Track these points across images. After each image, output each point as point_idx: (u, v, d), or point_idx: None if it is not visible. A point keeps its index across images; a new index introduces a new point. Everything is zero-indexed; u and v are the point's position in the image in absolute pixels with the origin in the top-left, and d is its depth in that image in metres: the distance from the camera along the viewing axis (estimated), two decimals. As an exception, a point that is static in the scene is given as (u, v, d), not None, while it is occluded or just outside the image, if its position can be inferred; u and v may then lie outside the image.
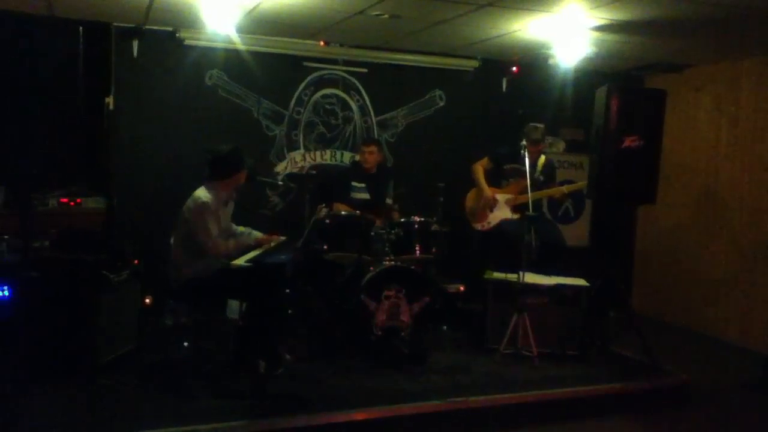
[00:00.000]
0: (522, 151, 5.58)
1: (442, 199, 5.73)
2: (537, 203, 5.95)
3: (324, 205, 5.55)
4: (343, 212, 5.61)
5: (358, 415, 4.11)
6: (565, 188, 6.03)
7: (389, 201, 6.07)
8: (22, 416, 3.84)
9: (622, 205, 6.83)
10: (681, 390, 4.98)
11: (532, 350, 5.07)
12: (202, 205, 4.56)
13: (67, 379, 4.27)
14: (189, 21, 5.55)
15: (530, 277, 5.23)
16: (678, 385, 5.01)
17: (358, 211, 5.54)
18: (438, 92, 7.05)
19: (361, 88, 6.77)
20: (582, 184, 5.88)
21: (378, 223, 5.53)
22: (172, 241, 4.71)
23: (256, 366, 4.38)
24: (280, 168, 6.54)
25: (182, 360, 4.84)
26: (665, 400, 4.85)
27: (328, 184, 6.11)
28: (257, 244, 4.85)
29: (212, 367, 4.62)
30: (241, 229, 5.03)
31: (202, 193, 4.63)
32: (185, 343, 4.98)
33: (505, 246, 5.77)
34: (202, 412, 3.98)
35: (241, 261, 4.70)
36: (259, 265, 4.69)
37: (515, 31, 5.63)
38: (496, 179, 6.14)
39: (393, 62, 6.73)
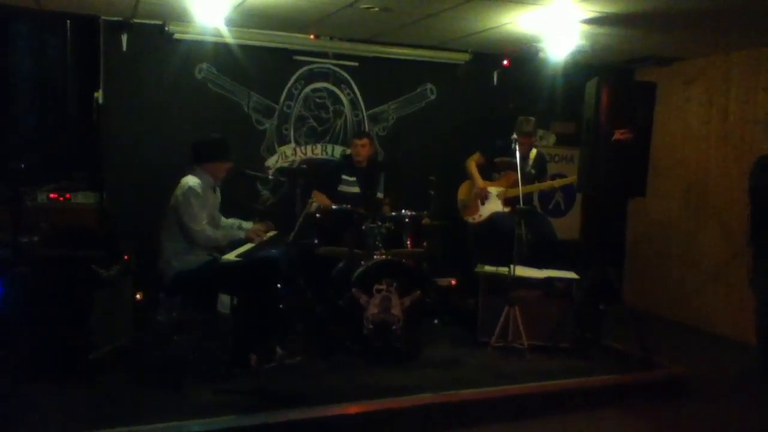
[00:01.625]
0: (513, 144, 5.58)
1: (433, 192, 5.72)
2: (528, 196, 5.97)
3: (313, 199, 5.54)
4: (334, 206, 5.60)
5: (351, 409, 4.10)
6: (556, 182, 6.05)
7: (380, 195, 6.07)
8: (12, 412, 3.83)
9: (613, 198, 6.85)
10: (674, 382, 4.99)
11: (523, 343, 5.08)
12: (189, 190, 4.60)
13: (58, 375, 4.25)
14: (178, 14, 5.51)
15: (521, 270, 5.25)
16: (671, 377, 5.04)
17: (348, 205, 5.54)
18: (429, 86, 7.03)
19: (351, 81, 6.75)
20: (572, 178, 5.90)
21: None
22: (159, 234, 4.71)
23: (248, 360, 4.38)
24: (271, 162, 6.52)
25: (175, 355, 4.81)
26: (658, 392, 4.87)
27: (317, 177, 6.10)
28: (247, 236, 4.86)
29: (205, 362, 4.61)
30: (229, 221, 5.03)
31: (188, 178, 4.68)
32: (175, 338, 4.97)
33: (497, 239, 5.78)
34: (195, 406, 3.97)
35: (231, 256, 4.70)
36: (250, 260, 4.69)
37: (506, 24, 5.63)
38: (487, 173, 6.16)
39: (384, 56, 6.71)
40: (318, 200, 5.66)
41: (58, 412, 3.85)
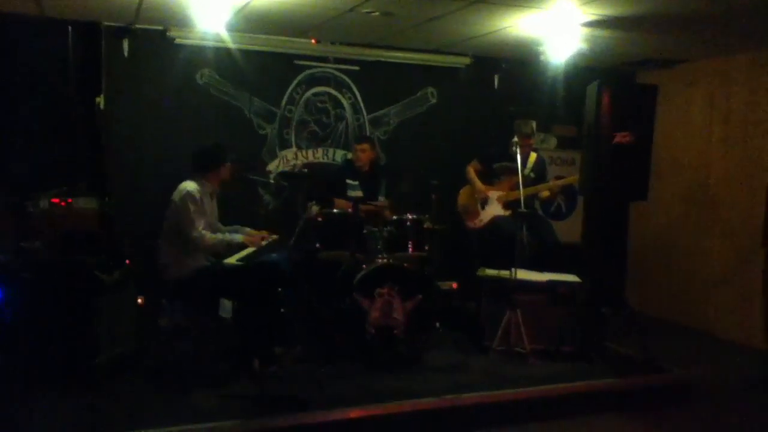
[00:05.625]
0: (513, 148, 5.57)
1: (434, 196, 5.72)
2: (529, 200, 5.96)
3: (314, 202, 5.54)
4: (335, 210, 5.60)
5: (354, 413, 4.11)
6: (552, 184, 6.02)
7: (382, 199, 6.06)
8: (17, 418, 3.83)
9: (615, 202, 6.83)
10: (678, 387, 4.97)
11: (525, 347, 5.07)
12: (187, 195, 4.62)
13: (61, 380, 4.26)
14: (179, 20, 5.52)
15: (522, 274, 5.24)
16: (675, 382, 5.01)
17: (349, 209, 5.53)
18: (430, 90, 7.04)
19: (353, 85, 6.75)
20: (573, 179, 5.89)
21: (376, 210, 5.48)
22: (159, 239, 4.71)
23: (250, 364, 4.38)
24: (272, 166, 6.52)
25: (177, 360, 4.82)
26: (662, 397, 4.85)
27: (324, 182, 6.11)
28: (245, 241, 4.86)
29: (207, 367, 4.61)
30: (230, 227, 5.03)
31: (187, 184, 4.69)
32: (178, 343, 4.97)
33: (498, 243, 5.77)
34: (198, 411, 3.98)
35: (232, 260, 4.71)
36: (252, 264, 4.69)
37: (506, 28, 5.63)
38: (487, 178, 6.17)
39: (385, 60, 6.71)
40: (343, 207, 5.66)
41: (62, 418, 3.86)
